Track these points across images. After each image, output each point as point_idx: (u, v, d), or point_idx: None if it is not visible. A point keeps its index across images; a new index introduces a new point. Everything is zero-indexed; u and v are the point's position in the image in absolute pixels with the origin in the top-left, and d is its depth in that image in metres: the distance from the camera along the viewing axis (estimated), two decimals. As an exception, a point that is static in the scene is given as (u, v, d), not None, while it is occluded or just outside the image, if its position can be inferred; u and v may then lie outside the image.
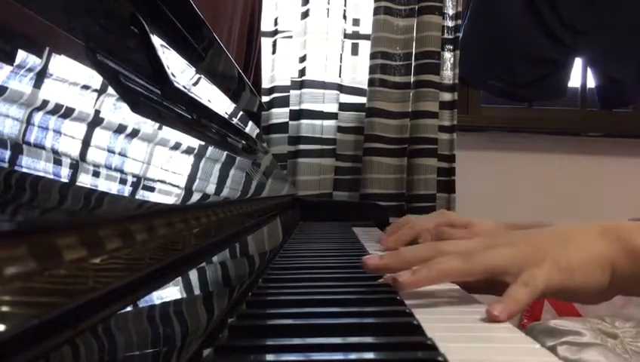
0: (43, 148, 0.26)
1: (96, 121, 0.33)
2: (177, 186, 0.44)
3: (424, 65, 1.93)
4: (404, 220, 0.90)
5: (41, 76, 0.29)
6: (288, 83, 1.94)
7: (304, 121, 1.92)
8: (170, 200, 0.41)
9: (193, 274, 0.40)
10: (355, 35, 2.01)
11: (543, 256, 0.50)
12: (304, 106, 1.92)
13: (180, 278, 0.37)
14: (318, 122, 1.93)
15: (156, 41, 0.53)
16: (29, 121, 0.26)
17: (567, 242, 0.52)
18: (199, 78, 0.71)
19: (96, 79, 0.36)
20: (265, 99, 1.92)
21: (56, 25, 0.34)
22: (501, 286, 0.49)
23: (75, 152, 0.29)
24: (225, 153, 0.68)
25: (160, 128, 0.46)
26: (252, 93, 1.25)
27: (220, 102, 0.81)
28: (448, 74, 2.00)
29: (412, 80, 1.95)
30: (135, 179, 0.35)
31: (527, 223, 0.84)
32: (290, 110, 1.94)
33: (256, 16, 1.65)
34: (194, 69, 0.70)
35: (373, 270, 0.54)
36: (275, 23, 1.95)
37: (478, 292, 0.54)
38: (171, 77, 0.53)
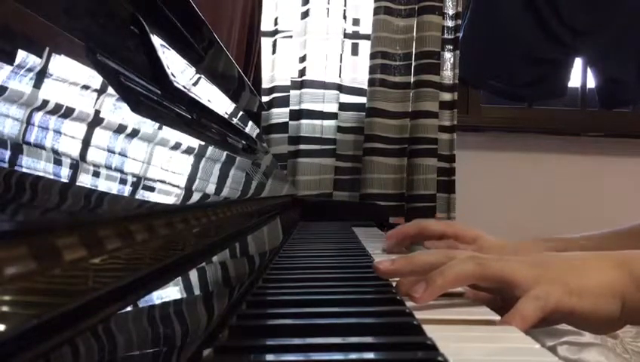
0: (43, 148, 0.26)
1: (96, 121, 0.33)
2: (177, 186, 0.44)
3: (424, 65, 1.93)
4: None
5: (41, 76, 0.29)
6: (288, 83, 1.94)
7: (304, 121, 1.92)
8: (170, 200, 0.41)
9: (193, 274, 0.40)
10: (355, 35, 2.01)
11: (555, 277, 0.50)
12: (304, 106, 1.92)
13: (180, 278, 0.37)
14: (318, 122, 1.93)
15: (156, 41, 0.53)
16: (29, 121, 0.26)
17: (580, 268, 0.52)
18: (199, 78, 0.71)
19: (96, 79, 0.36)
20: (265, 99, 1.92)
21: (57, 25, 0.34)
22: (510, 304, 0.48)
23: (75, 152, 0.29)
24: (225, 153, 0.68)
25: (160, 128, 0.46)
26: (252, 93, 1.25)
27: (219, 102, 0.81)
28: (448, 74, 2.00)
29: (412, 80, 1.95)
30: (135, 179, 0.35)
31: (530, 242, 0.83)
32: (290, 110, 1.94)
33: (256, 17, 1.65)
34: (194, 69, 0.69)
35: (384, 274, 0.54)
36: (275, 23, 1.95)
37: (489, 292, 0.53)
38: (171, 77, 0.53)
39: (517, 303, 0.47)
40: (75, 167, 0.28)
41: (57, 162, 0.27)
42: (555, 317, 0.49)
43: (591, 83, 2.26)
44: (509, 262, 0.51)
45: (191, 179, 0.49)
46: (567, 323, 0.53)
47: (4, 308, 0.19)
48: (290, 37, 1.95)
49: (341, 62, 1.96)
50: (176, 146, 0.49)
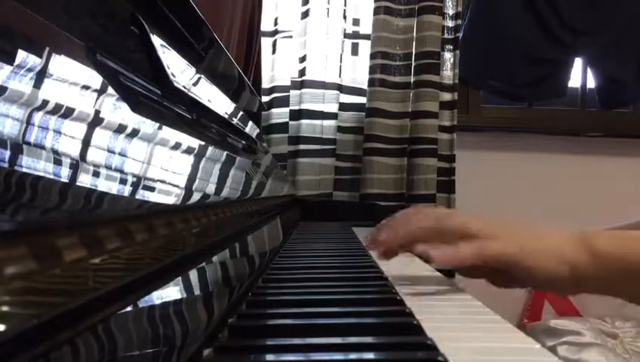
0: (43, 148, 0.26)
1: (96, 121, 0.33)
2: (177, 186, 0.44)
3: (424, 65, 1.93)
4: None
5: (41, 76, 0.29)
6: (288, 83, 1.94)
7: (304, 121, 1.92)
8: (170, 200, 0.41)
9: (193, 274, 0.40)
10: (355, 35, 2.01)
11: (508, 236, 0.56)
12: (304, 106, 1.92)
13: (180, 278, 0.37)
14: (318, 122, 1.93)
15: (156, 41, 0.53)
16: (29, 121, 0.26)
17: (537, 234, 0.58)
18: (199, 78, 0.71)
19: (96, 79, 0.36)
20: (265, 99, 1.92)
21: (57, 25, 0.34)
22: (497, 275, 0.55)
23: (75, 152, 0.29)
24: (225, 153, 0.68)
25: (160, 128, 0.46)
26: (252, 93, 1.25)
27: (219, 102, 0.81)
28: (448, 74, 2.00)
29: (412, 80, 1.95)
30: (135, 179, 0.35)
31: None
32: (290, 110, 1.94)
33: (256, 16, 1.65)
34: (194, 69, 0.69)
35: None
36: (275, 23, 1.95)
37: (475, 276, 0.58)
38: (171, 77, 0.53)
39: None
40: (75, 167, 0.28)
41: (57, 162, 0.27)
42: (500, 266, 0.55)
43: (591, 83, 2.26)
44: (469, 217, 0.57)
45: (191, 179, 0.49)
46: (513, 272, 0.56)
47: (4, 308, 0.19)
48: (290, 37, 1.94)
49: (341, 62, 1.95)
50: (176, 146, 0.49)
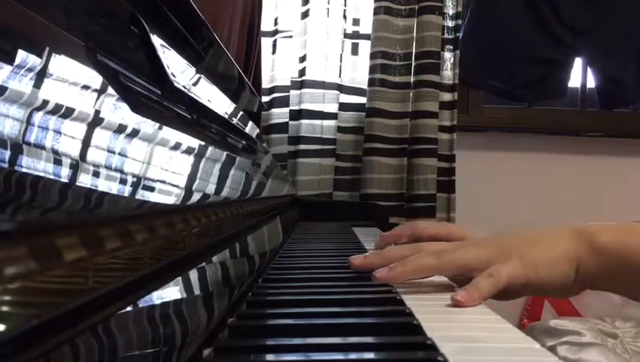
0: (43, 148, 0.26)
1: (96, 121, 0.33)
2: (177, 186, 0.44)
3: (424, 65, 1.93)
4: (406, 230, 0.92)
5: (41, 76, 0.29)
6: (288, 83, 1.94)
7: (304, 121, 1.92)
8: (170, 200, 0.41)
9: (193, 274, 0.40)
10: (355, 35, 2.01)
11: (509, 253, 0.54)
12: (304, 106, 1.92)
13: (180, 278, 0.37)
14: (318, 122, 1.93)
15: (156, 41, 0.53)
16: (29, 121, 0.26)
17: (534, 241, 0.56)
18: (199, 78, 0.71)
19: (96, 79, 0.36)
20: (265, 99, 1.92)
21: (56, 25, 0.34)
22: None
23: (75, 152, 0.29)
24: (225, 153, 0.68)
25: (160, 128, 0.46)
26: (252, 93, 1.25)
27: (219, 102, 0.81)
28: (448, 74, 2.00)
29: (412, 80, 1.95)
30: (135, 179, 0.35)
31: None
32: (290, 110, 1.94)
33: (256, 16, 1.65)
34: (194, 69, 0.69)
35: (357, 268, 0.58)
36: (275, 23, 1.95)
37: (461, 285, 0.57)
38: (171, 77, 0.53)
39: (473, 280, 0.51)
40: (75, 167, 0.28)
41: (57, 162, 0.27)
42: (512, 290, 0.53)
43: (591, 83, 2.26)
44: (463, 250, 0.55)
45: (191, 179, 0.49)
46: (526, 291, 0.56)
47: (4, 308, 0.19)
48: (290, 37, 1.95)
49: (341, 62, 1.96)
50: (176, 146, 0.49)
